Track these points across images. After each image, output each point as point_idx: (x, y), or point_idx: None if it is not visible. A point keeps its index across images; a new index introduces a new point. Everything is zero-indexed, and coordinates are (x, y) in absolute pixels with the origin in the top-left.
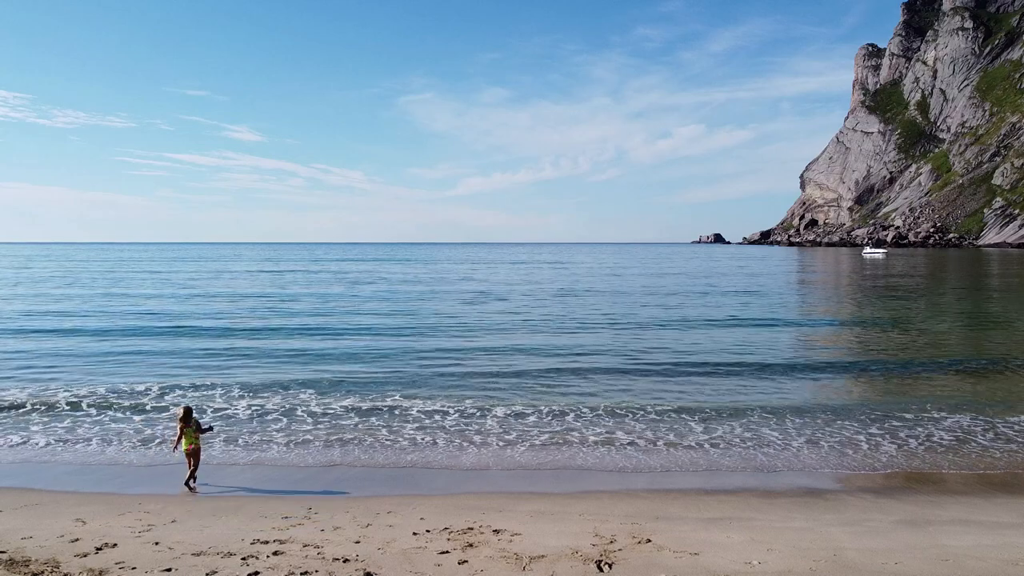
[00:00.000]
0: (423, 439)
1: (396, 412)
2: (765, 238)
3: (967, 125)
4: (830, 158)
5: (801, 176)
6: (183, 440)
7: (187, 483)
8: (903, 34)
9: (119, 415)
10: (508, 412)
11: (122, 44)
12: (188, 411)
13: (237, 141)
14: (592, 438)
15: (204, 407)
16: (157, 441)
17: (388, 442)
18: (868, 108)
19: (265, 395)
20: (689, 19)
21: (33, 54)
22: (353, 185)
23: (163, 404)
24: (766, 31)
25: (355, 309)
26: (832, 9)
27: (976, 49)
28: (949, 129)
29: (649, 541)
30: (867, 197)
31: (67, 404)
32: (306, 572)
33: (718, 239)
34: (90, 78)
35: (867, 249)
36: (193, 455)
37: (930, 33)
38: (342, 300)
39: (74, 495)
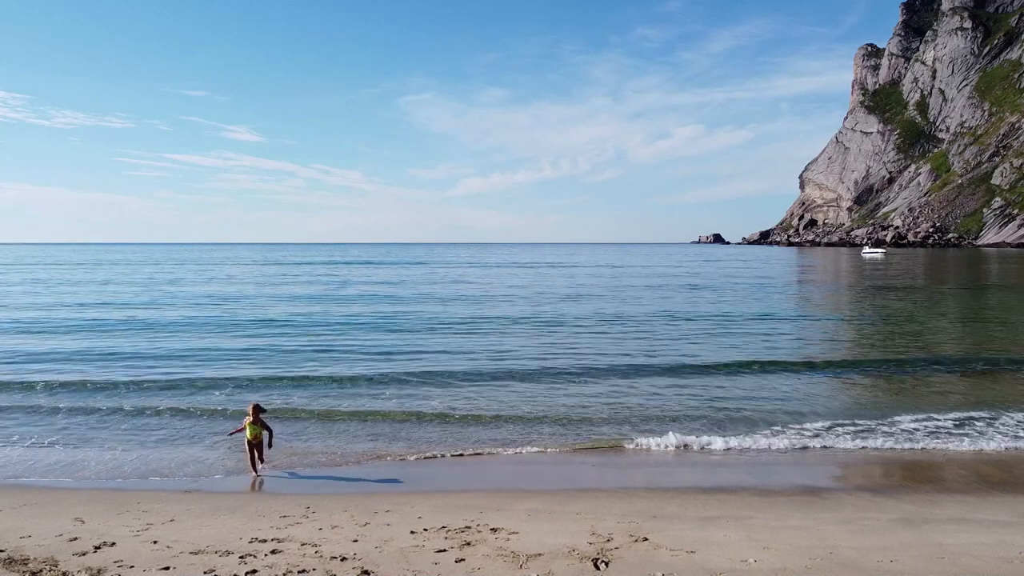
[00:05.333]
0: (420, 439)
1: (394, 412)
2: (764, 238)
3: (966, 125)
4: (829, 158)
5: (800, 176)
6: (247, 430)
7: (254, 468)
8: (902, 34)
9: (116, 415)
10: (509, 416)
11: (121, 44)
12: (257, 408)
13: (236, 141)
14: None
15: (196, 407)
16: (155, 440)
17: (386, 441)
18: (867, 108)
19: (261, 396)
20: (688, 19)
21: (32, 54)
22: (352, 186)
23: (158, 403)
24: (765, 31)
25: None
26: (831, 9)
27: (975, 49)
28: (948, 129)
29: (646, 540)
30: (866, 197)
31: (64, 404)
32: (304, 571)
33: (717, 239)
34: (89, 78)
35: (866, 249)
36: (256, 446)
37: (929, 33)
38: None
39: (73, 494)
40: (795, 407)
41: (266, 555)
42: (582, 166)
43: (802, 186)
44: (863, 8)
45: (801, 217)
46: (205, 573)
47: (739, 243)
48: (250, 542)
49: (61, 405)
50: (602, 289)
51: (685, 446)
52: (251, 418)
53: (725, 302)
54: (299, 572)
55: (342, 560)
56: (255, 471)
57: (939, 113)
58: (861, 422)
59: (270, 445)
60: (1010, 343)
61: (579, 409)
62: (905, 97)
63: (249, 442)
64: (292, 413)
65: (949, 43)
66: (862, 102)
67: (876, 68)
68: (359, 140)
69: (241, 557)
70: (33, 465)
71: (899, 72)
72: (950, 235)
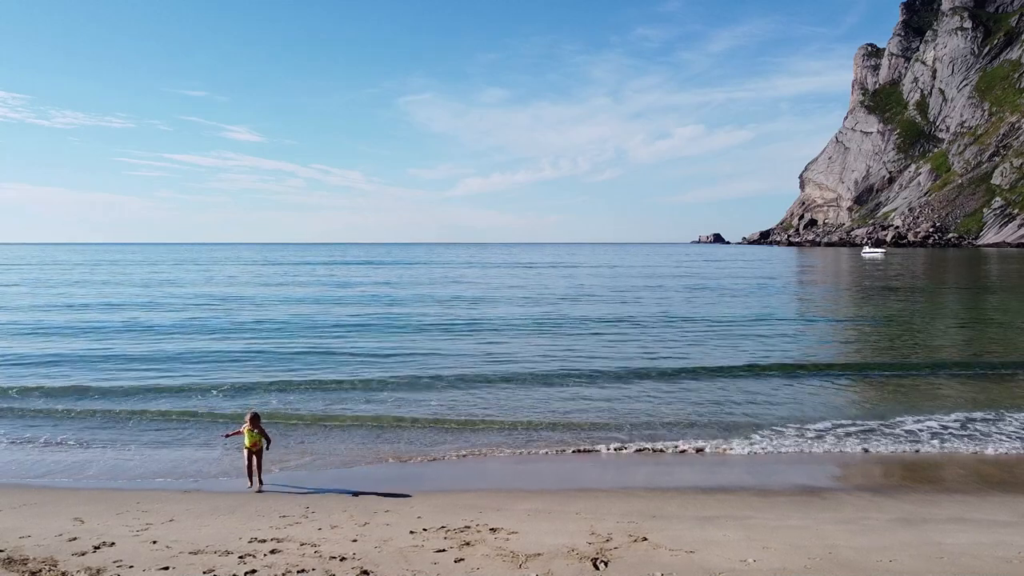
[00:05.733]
0: (420, 438)
1: (393, 416)
2: (764, 238)
3: (966, 125)
4: (829, 158)
5: (800, 176)
6: (245, 436)
7: (258, 478)
8: (902, 34)
9: (113, 418)
10: (508, 416)
11: (121, 44)
12: (256, 417)
13: (236, 141)
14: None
15: (195, 410)
16: (154, 442)
17: (385, 441)
18: (867, 108)
19: (256, 396)
20: (688, 19)
21: (32, 54)
22: (352, 185)
23: (156, 406)
24: (765, 31)
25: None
26: (831, 9)
27: (975, 49)
28: (948, 129)
29: (645, 539)
30: (866, 197)
31: (61, 405)
32: (303, 570)
33: (718, 239)
34: (89, 78)
35: (866, 249)
36: (256, 454)
37: (929, 33)
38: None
39: (72, 494)
40: (797, 410)
41: (265, 555)
42: (582, 166)
43: (802, 186)
44: (863, 8)
45: (801, 217)
46: (204, 573)
47: (739, 243)
48: (249, 542)
49: (59, 408)
50: (603, 290)
51: (699, 450)
52: (248, 426)
53: (726, 304)
54: (298, 572)
55: (341, 560)
56: (252, 482)
57: (939, 113)
58: (862, 423)
59: (267, 448)
60: (1012, 346)
61: (579, 413)
62: (905, 97)
63: (248, 449)
64: (290, 416)
65: (949, 43)
66: (862, 102)
67: (876, 68)
68: (359, 140)
69: (240, 557)
70: (32, 466)
71: (899, 72)
72: (950, 235)
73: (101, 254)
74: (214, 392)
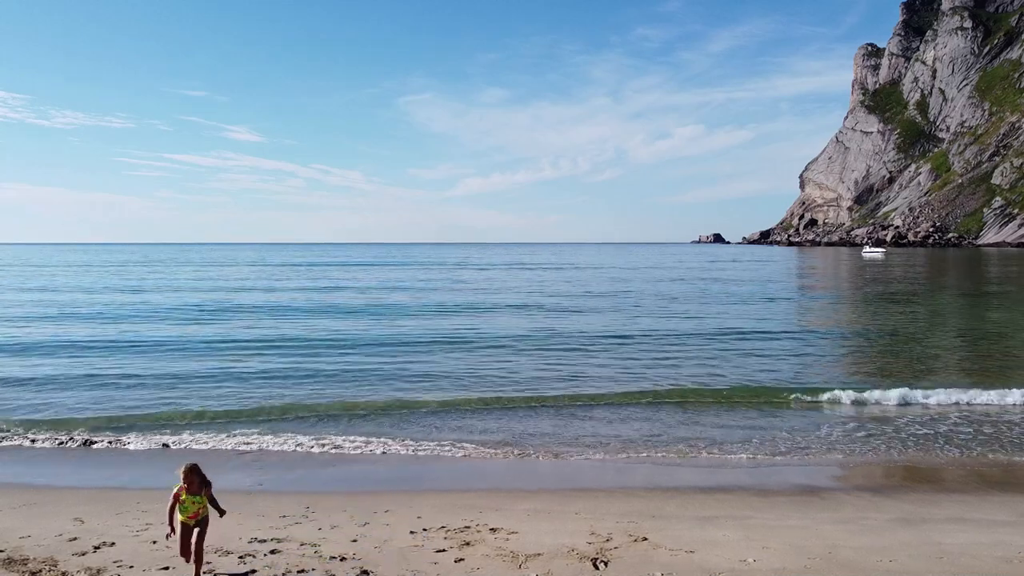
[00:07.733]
0: (420, 437)
1: (393, 412)
2: (765, 238)
3: (966, 125)
4: (829, 158)
5: (801, 176)
6: (178, 509)
7: (197, 567)
8: (902, 34)
9: (111, 416)
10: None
11: (121, 44)
12: (194, 471)
13: (236, 141)
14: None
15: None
16: (155, 441)
17: (386, 441)
18: (867, 108)
19: (258, 396)
20: (688, 19)
21: (32, 54)
22: (352, 186)
23: (157, 406)
24: (765, 31)
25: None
26: (831, 9)
27: (975, 49)
28: (948, 129)
29: (645, 539)
30: (866, 197)
31: (61, 406)
32: (303, 571)
33: (718, 239)
34: (89, 79)
35: (866, 249)
36: (197, 526)
37: (929, 33)
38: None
39: (72, 494)
40: (797, 413)
41: (265, 555)
42: (582, 166)
43: (802, 186)
44: (863, 8)
45: (801, 217)
46: (204, 573)
47: (739, 243)
48: (249, 542)
49: (61, 418)
50: (605, 294)
51: (699, 451)
52: (185, 486)
53: (726, 310)
54: (298, 572)
55: (341, 560)
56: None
57: (939, 113)
58: (862, 426)
59: (221, 513)
60: (1016, 355)
61: (577, 438)
62: (905, 97)
63: (184, 524)
64: (282, 433)
65: (949, 43)
66: (862, 102)
67: (876, 68)
68: (359, 140)
69: (240, 557)
70: (31, 467)
71: (899, 72)
72: (950, 235)
73: (104, 255)
74: (189, 421)
